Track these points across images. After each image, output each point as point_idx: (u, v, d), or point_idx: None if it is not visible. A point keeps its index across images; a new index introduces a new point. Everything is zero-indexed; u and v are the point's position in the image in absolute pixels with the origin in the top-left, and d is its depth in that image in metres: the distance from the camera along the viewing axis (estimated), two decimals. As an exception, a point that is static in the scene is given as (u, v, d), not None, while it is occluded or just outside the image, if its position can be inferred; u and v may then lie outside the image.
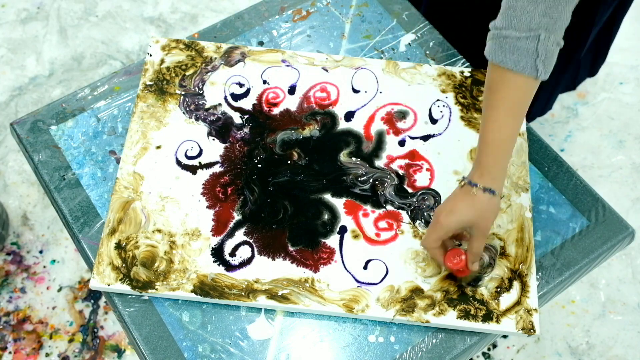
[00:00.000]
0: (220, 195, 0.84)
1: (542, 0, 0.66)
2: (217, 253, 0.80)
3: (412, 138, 0.90)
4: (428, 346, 0.77)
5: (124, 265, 0.78)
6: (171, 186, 0.84)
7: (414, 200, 0.85)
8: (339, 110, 0.92)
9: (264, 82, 0.93)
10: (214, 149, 0.87)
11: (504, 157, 0.73)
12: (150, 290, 0.77)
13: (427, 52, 0.99)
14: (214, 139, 0.88)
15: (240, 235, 0.81)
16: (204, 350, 0.76)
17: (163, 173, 0.85)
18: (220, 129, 0.89)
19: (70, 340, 1.40)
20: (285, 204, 0.84)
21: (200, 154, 0.87)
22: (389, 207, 0.84)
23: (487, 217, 0.73)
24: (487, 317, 0.77)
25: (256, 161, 0.87)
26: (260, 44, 0.99)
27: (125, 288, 0.77)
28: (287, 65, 0.95)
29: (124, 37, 1.82)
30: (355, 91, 0.93)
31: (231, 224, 0.82)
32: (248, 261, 0.80)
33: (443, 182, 0.86)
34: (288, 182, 0.85)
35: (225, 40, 0.99)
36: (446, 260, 0.76)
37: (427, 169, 0.87)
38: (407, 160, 0.88)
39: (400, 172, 0.87)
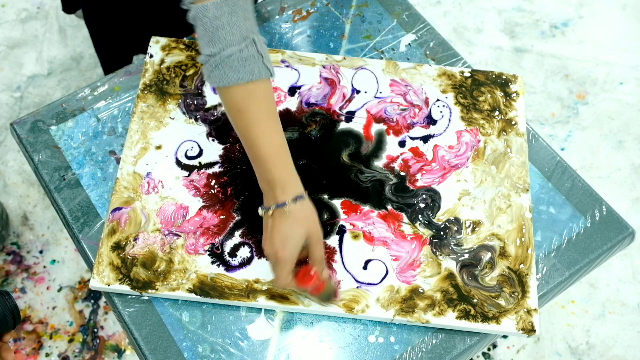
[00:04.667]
0: (220, 195, 0.84)
1: (238, 8, 0.68)
2: (217, 253, 0.80)
3: (412, 138, 0.90)
4: (428, 346, 0.77)
5: (123, 265, 0.78)
6: (171, 186, 0.84)
7: (414, 200, 0.85)
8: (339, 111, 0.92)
9: (264, 82, 0.93)
10: (214, 149, 0.87)
11: (288, 161, 0.72)
12: (150, 291, 0.77)
13: (427, 53, 0.99)
14: (213, 139, 0.88)
15: (240, 236, 0.81)
16: (204, 350, 0.76)
17: (163, 173, 0.85)
18: (220, 129, 0.89)
19: (70, 340, 1.40)
20: (285, 204, 0.84)
21: (200, 154, 0.87)
22: (389, 207, 0.84)
23: (313, 221, 0.71)
24: (487, 317, 0.77)
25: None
26: (260, 44, 0.99)
27: (125, 288, 0.77)
28: (287, 66, 0.95)
29: (124, 37, 1.81)
30: (356, 91, 0.93)
31: (231, 224, 0.82)
32: (248, 261, 0.80)
33: (443, 182, 0.86)
34: (288, 182, 0.85)
35: (225, 41, 0.99)
36: (302, 284, 0.71)
37: (427, 169, 0.87)
38: (407, 161, 0.88)
39: (401, 172, 0.87)
